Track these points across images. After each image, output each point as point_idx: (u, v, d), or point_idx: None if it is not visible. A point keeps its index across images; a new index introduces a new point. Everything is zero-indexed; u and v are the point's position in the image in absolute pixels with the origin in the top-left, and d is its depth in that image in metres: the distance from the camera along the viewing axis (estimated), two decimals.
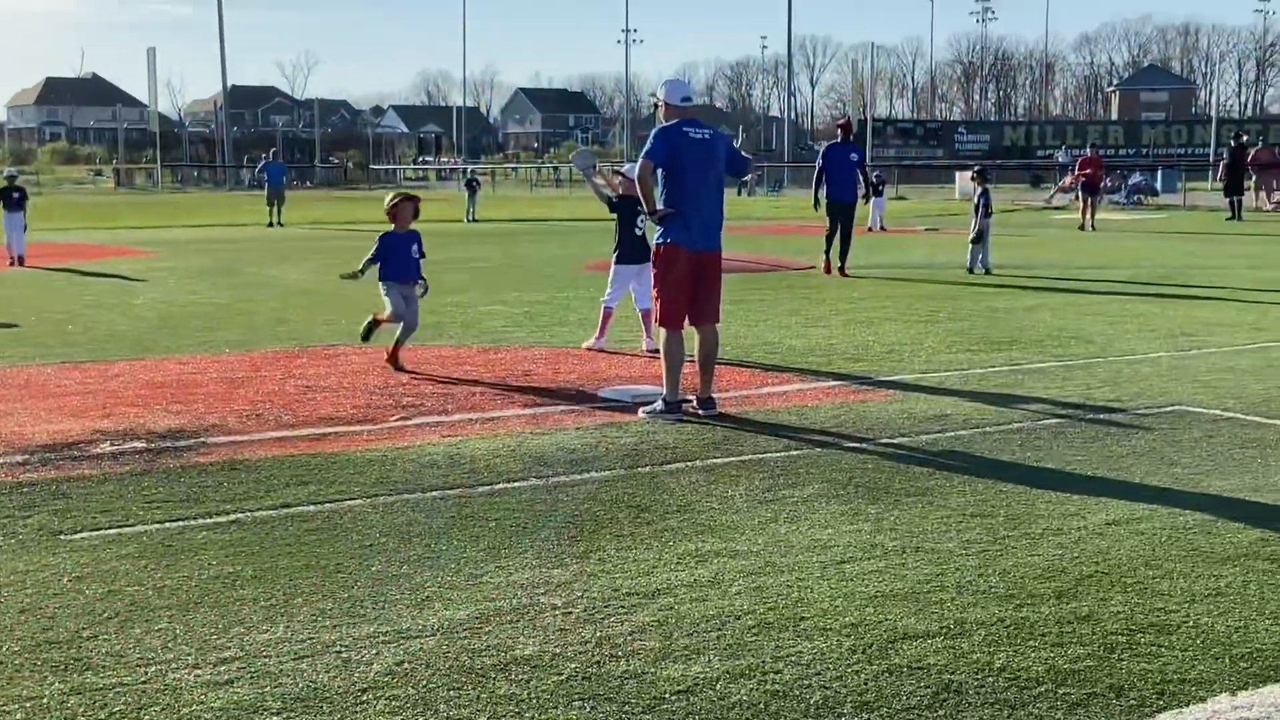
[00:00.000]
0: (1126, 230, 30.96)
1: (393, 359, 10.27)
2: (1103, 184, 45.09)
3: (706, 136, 8.64)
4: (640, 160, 8.56)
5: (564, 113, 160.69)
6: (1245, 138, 38.72)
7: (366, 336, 10.71)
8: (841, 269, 18.43)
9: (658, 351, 8.83)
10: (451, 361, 10.73)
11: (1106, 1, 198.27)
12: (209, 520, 5.96)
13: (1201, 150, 69.97)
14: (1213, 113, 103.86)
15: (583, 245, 24.65)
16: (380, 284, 10.43)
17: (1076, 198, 33.90)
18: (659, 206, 8.50)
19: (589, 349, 11.33)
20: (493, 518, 6.01)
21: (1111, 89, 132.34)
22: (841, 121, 21.07)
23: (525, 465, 7.07)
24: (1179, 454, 7.34)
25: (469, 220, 36.32)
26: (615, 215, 11.50)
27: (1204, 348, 11.43)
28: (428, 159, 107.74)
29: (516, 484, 6.66)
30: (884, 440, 7.72)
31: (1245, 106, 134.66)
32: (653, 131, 8.70)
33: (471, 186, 39.11)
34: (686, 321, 8.61)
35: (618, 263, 11.53)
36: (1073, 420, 8.31)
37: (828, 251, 18.72)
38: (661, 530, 5.81)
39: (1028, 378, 9.96)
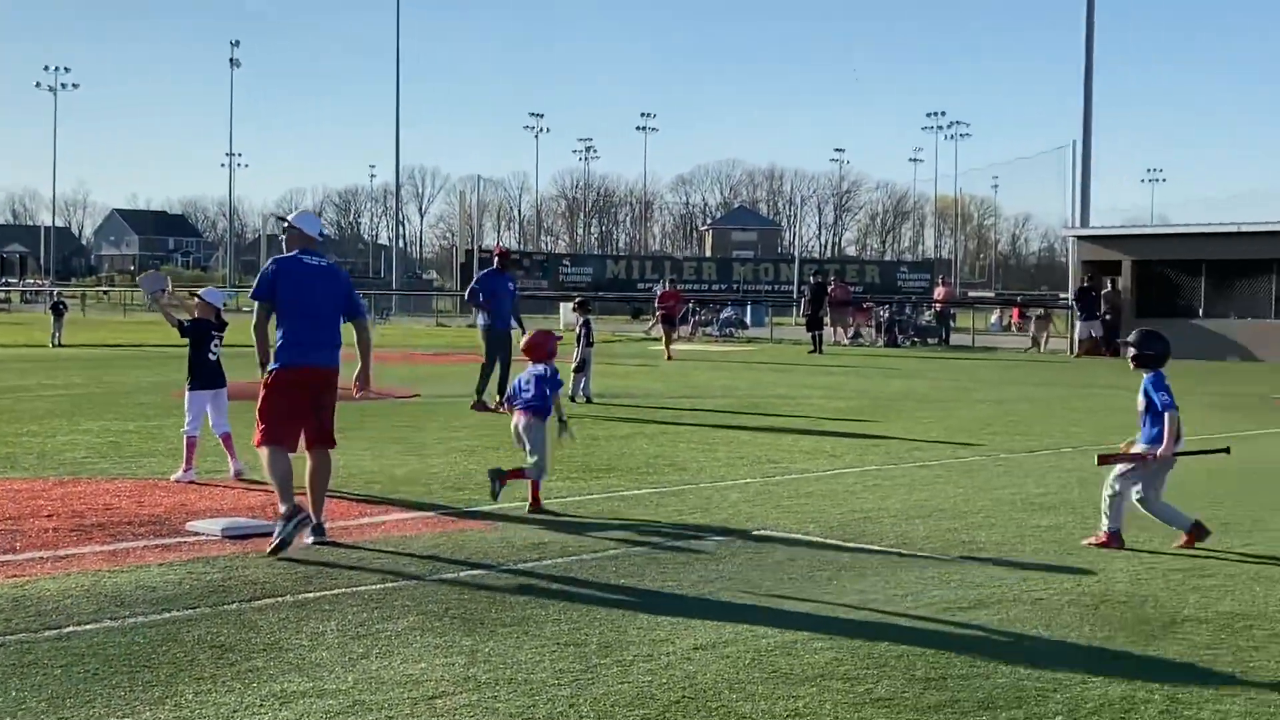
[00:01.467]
0: (718, 361, 32.44)
1: None
2: (695, 316, 47.21)
3: (324, 264, 8.68)
4: (254, 311, 8.43)
5: (163, 235, 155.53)
6: (823, 276, 41.53)
7: None
8: (501, 403, 17.11)
9: (241, 474, 8.56)
10: (24, 496, 9.99)
11: (699, 145, 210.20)
12: None
13: (787, 286, 74.53)
14: (796, 252, 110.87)
15: (179, 370, 23.62)
16: None
17: (658, 329, 35.35)
18: (270, 349, 8.39)
19: (177, 481, 10.81)
20: (59, 664, 5.57)
21: (705, 227, 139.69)
22: (499, 249, 20.47)
23: (100, 606, 6.61)
24: (763, 577, 7.63)
25: (54, 345, 34.33)
26: (188, 340, 11.24)
27: (787, 474, 12.01)
28: (11, 280, 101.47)
29: (88, 626, 6.21)
30: (482, 570, 7.68)
31: (825, 247, 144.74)
32: (266, 263, 8.63)
33: (57, 310, 37.14)
34: (302, 443, 8.41)
35: (191, 389, 11.31)
36: (665, 546, 8.52)
37: (482, 388, 17.61)
38: (246, 671, 5.53)
39: (624, 504, 10.18)
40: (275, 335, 8.47)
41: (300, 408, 8.38)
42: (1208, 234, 36.62)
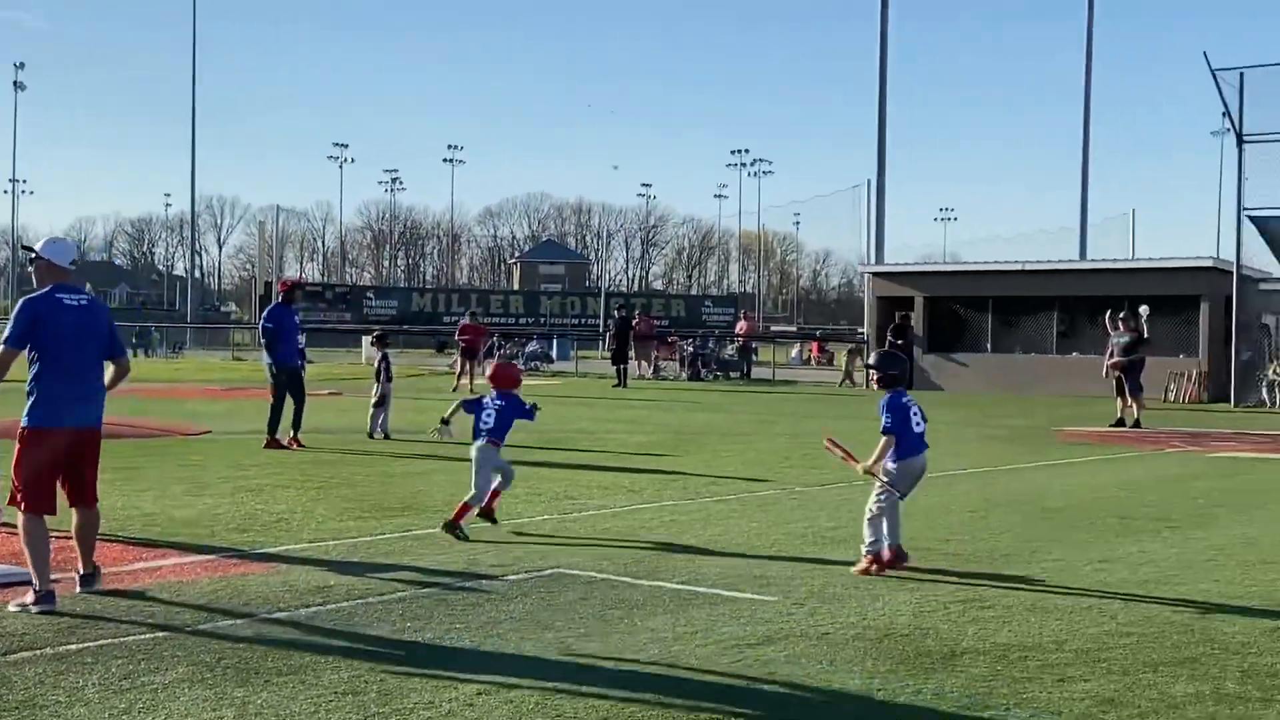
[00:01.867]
0: (524, 395, 32.20)
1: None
2: (500, 350, 47.00)
3: (84, 303, 8.01)
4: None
5: None
6: (628, 310, 41.77)
7: None
8: (295, 439, 17.17)
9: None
10: None
11: (508, 178, 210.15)
12: None
13: (593, 320, 74.74)
14: (603, 285, 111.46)
15: None
16: None
17: (456, 363, 35.08)
18: (26, 388, 7.80)
19: None
20: None
21: (514, 260, 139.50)
22: (284, 282, 19.91)
23: None
24: (554, 617, 7.52)
25: None
26: None
27: (584, 510, 11.96)
28: None
29: None
30: (262, 616, 7.41)
31: (633, 281, 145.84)
32: (19, 304, 7.99)
33: None
34: (67, 502, 7.93)
35: None
36: (455, 587, 8.36)
37: (275, 425, 17.11)
38: None
39: (417, 544, 9.97)
40: (30, 381, 7.87)
41: (60, 468, 7.84)
42: (995, 272, 37.96)
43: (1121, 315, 25.50)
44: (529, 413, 11.25)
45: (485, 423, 10.82)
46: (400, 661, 6.45)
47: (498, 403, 10.97)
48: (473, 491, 10.54)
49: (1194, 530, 11.34)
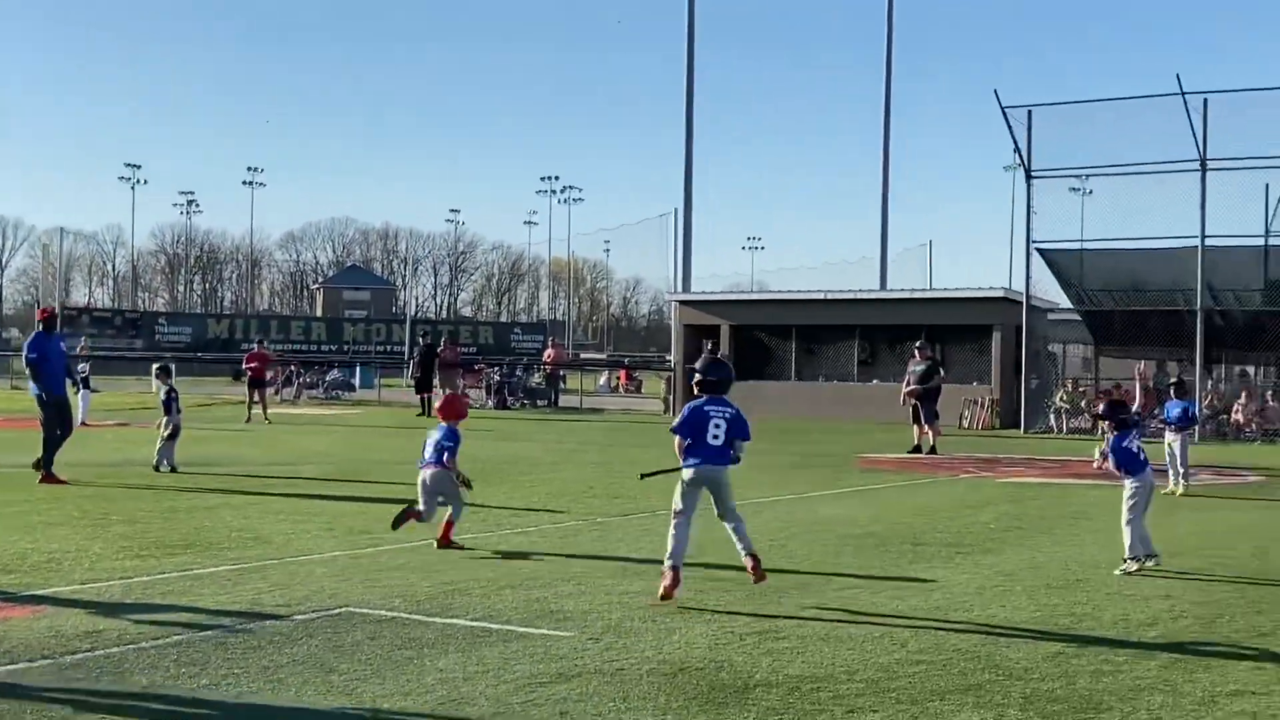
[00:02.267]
0: (321, 425, 31.60)
1: None
2: (299, 379, 46.04)
3: None
4: None
5: None
6: (433, 338, 41.30)
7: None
8: (49, 475, 16.22)
9: None
10: None
11: (311, 202, 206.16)
12: None
13: (399, 348, 73.80)
14: (409, 312, 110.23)
15: None
16: None
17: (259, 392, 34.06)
18: None
19: None
20: None
21: (317, 286, 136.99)
22: (44, 310, 19.25)
23: None
24: (339, 659, 7.25)
25: None
26: None
27: (379, 545, 11.62)
28: None
29: None
30: (21, 665, 6.96)
31: (441, 307, 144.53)
32: None
33: None
34: None
35: None
36: (237, 629, 8.00)
37: (49, 462, 16.33)
38: None
39: (198, 584, 9.56)
40: None
41: None
42: (799, 300, 38.64)
43: (918, 344, 26.20)
44: (453, 447, 11.80)
45: (425, 452, 11.76)
46: (169, 711, 6.11)
47: (441, 434, 11.77)
48: (420, 506, 11.56)
49: (984, 556, 11.57)
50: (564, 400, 44.37)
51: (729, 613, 8.74)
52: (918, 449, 24.50)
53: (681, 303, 40.92)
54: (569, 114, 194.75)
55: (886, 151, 53.57)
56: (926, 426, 24.58)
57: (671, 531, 9.29)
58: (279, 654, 7.37)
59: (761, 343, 38.41)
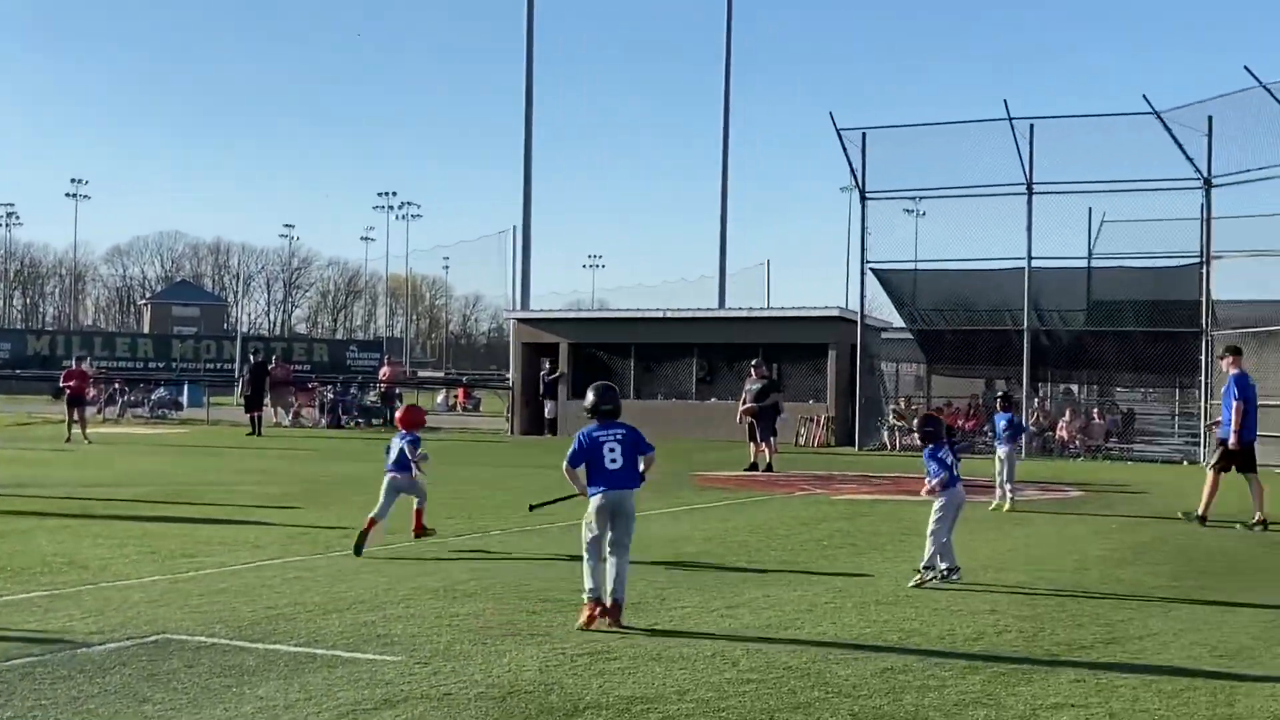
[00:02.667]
0: (147, 445, 30.66)
1: None
2: (124, 396, 44.69)
3: None
4: None
5: None
6: (264, 355, 40.43)
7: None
8: None
9: None
10: None
11: (138, 215, 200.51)
12: None
13: (229, 365, 72.19)
14: (240, 329, 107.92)
15: None
16: None
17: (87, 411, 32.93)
18: None
19: None
20: None
21: (144, 302, 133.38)
22: None
23: None
24: (154, 689, 6.96)
25: None
26: None
27: (202, 569, 11.26)
28: None
29: None
30: None
31: (275, 324, 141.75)
32: None
33: None
34: None
35: None
36: (45, 658, 7.64)
37: None
38: None
39: (7, 611, 9.15)
40: None
41: None
42: (638, 319, 38.74)
43: (754, 363, 26.47)
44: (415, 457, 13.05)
45: (390, 457, 13.06)
46: None
47: (404, 441, 13.02)
48: (374, 511, 12.63)
49: (818, 573, 11.65)
50: None
51: (561, 634, 8.63)
52: (754, 467, 24.70)
53: (520, 320, 40.73)
54: (406, 128, 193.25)
55: (725, 172, 54.18)
56: (763, 444, 24.80)
57: (585, 563, 9.12)
58: (89, 684, 7.05)
59: (600, 361, 38.39)
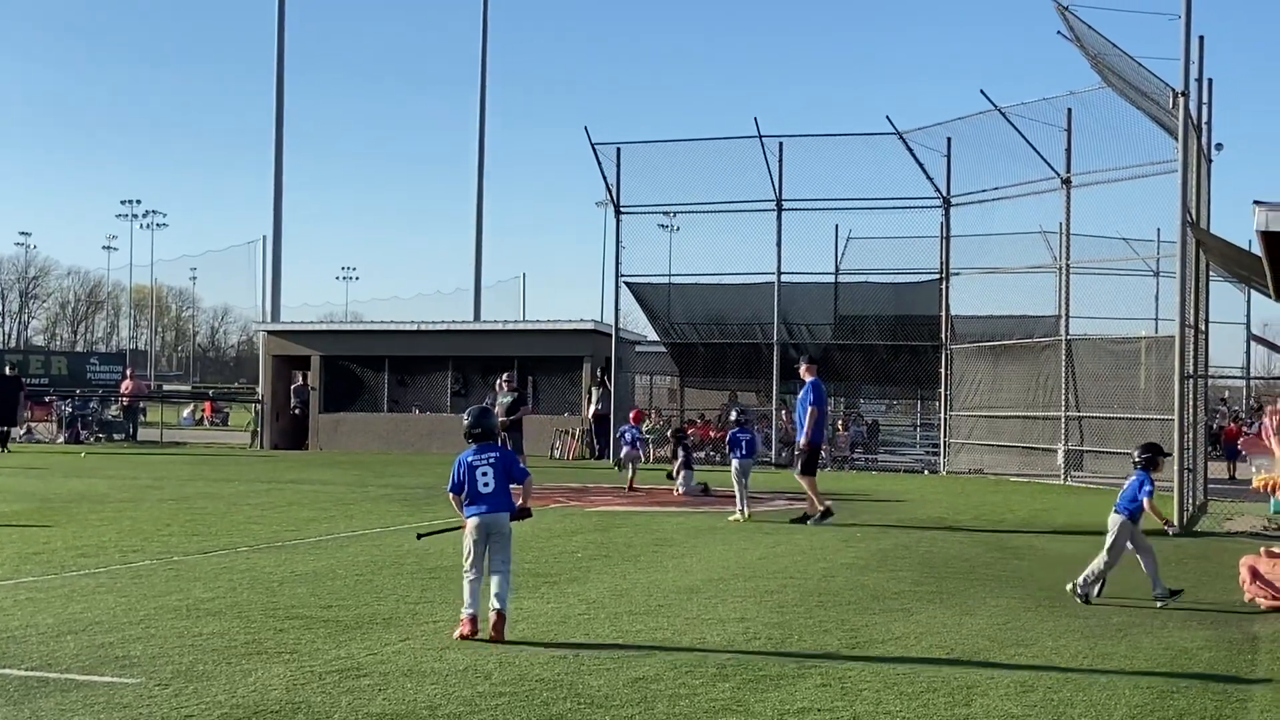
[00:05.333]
0: None
1: None
2: None
3: None
4: None
5: None
6: (17, 369, 38.42)
7: None
8: None
9: None
10: None
11: None
12: None
13: None
14: None
15: None
16: None
17: None
18: None
19: None
20: None
21: None
22: None
23: None
24: None
25: None
26: None
27: None
28: None
29: None
30: None
31: (10, 336, 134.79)
32: None
33: None
34: None
35: None
36: None
37: None
38: None
39: None
40: None
41: None
42: (391, 331, 38.26)
43: (504, 377, 26.52)
44: None
45: None
46: None
47: None
48: None
49: (570, 585, 11.68)
50: (143, 434, 42.23)
51: (309, 651, 8.43)
52: None
53: (270, 333, 39.73)
54: (152, 135, 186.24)
55: (481, 185, 54.07)
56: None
57: (465, 582, 9.21)
58: None
59: (353, 374, 37.78)
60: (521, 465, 9.82)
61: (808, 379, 18.16)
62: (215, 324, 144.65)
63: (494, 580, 9.18)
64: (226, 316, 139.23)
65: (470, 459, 9.46)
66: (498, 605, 9.01)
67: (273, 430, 38.02)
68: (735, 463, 18.73)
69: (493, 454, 9.52)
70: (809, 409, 17.83)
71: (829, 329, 34.09)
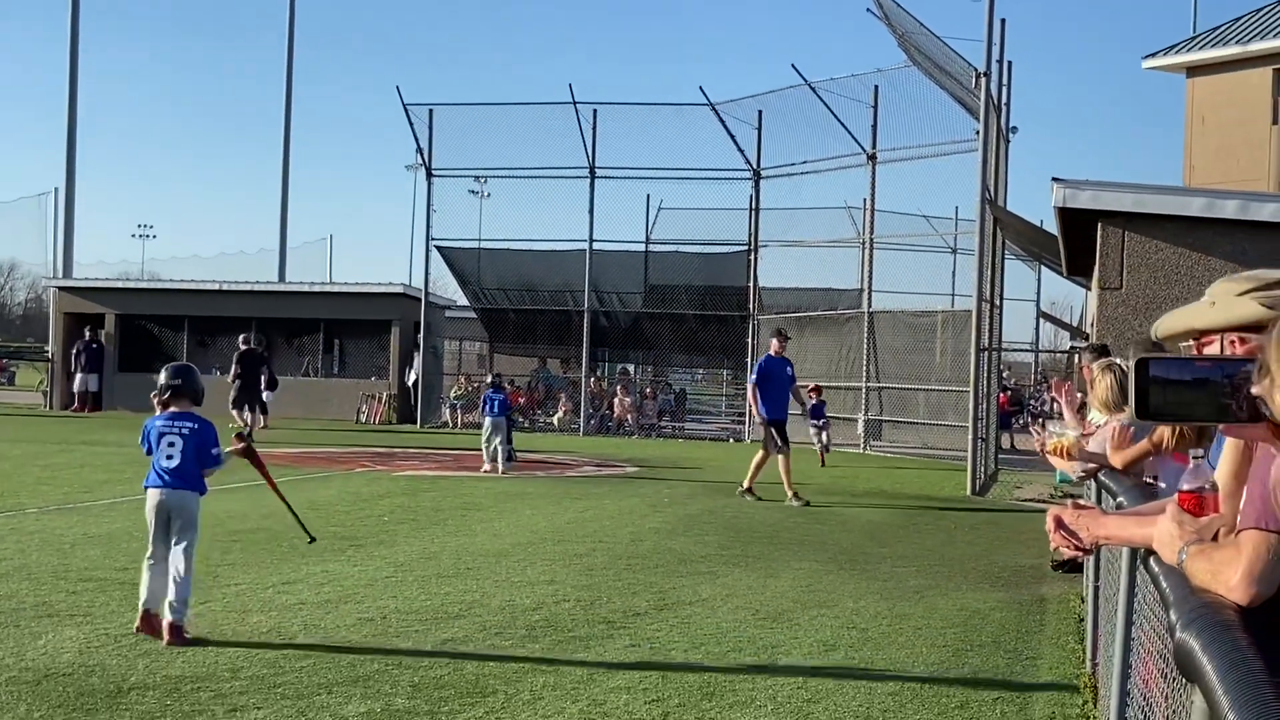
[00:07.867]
0: None
1: None
2: None
3: None
4: None
5: None
6: None
7: None
8: None
9: None
10: None
11: None
12: None
13: None
14: None
15: None
16: None
17: None
18: None
19: None
20: None
21: None
22: None
23: None
24: None
25: None
26: None
27: None
28: None
29: None
30: None
31: None
32: None
33: None
34: None
35: None
36: None
37: None
38: None
39: None
40: None
41: None
42: (192, 291, 37.16)
43: (243, 337, 26.73)
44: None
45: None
46: None
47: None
48: None
49: (378, 548, 11.52)
50: None
51: (103, 614, 8.14)
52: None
53: (61, 289, 38.18)
54: None
55: (287, 144, 52.83)
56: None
57: (144, 568, 7.71)
58: None
59: (150, 334, 36.60)
60: (215, 452, 8.04)
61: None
62: (1, 279, 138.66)
63: (172, 573, 7.57)
64: (13, 272, 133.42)
65: (159, 422, 7.97)
66: (170, 616, 7.42)
67: (64, 390, 36.59)
68: (487, 420, 20.22)
69: (188, 424, 7.95)
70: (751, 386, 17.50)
71: (639, 298, 34.28)
